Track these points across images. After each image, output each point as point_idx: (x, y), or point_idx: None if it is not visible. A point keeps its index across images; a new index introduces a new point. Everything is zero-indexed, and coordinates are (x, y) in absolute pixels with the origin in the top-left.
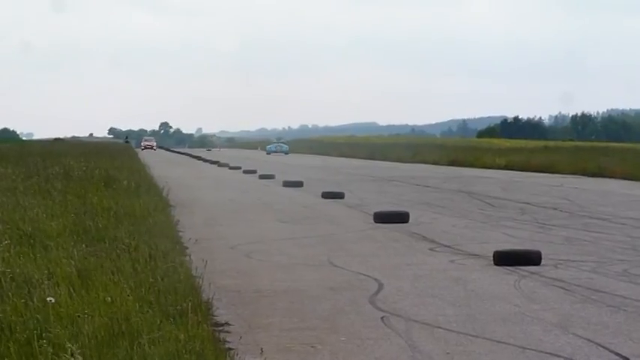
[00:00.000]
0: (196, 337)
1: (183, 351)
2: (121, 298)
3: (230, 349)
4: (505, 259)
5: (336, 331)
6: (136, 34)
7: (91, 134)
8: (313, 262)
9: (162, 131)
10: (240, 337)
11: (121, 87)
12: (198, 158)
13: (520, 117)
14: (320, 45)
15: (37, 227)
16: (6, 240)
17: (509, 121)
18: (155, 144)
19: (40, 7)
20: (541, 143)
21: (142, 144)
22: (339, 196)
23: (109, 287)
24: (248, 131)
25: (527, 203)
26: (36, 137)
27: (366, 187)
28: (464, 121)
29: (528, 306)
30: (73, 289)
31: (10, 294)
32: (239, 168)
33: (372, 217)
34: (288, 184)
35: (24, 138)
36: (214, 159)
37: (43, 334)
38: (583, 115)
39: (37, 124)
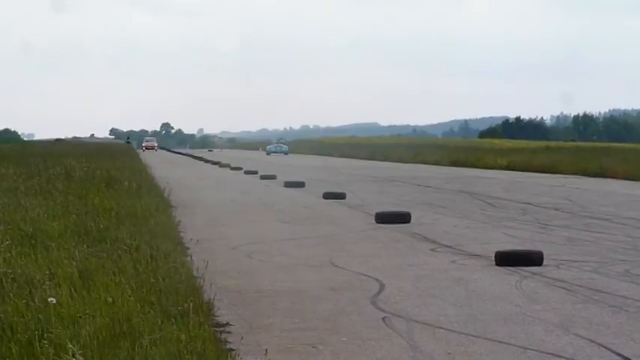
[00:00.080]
0: (197, 337)
1: (185, 351)
2: (122, 298)
3: (231, 349)
4: (506, 259)
5: (337, 332)
6: (136, 34)
7: (92, 135)
8: (314, 262)
9: (163, 132)
10: (242, 338)
11: (122, 87)
12: (200, 159)
13: (522, 117)
14: (321, 45)
15: (39, 228)
16: (7, 240)
17: (510, 121)
18: (156, 144)
19: (40, 7)
20: (543, 143)
21: (143, 144)
22: (340, 196)
23: (111, 288)
24: (249, 132)
25: (529, 203)
26: (37, 138)
27: (367, 188)
28: (465, 121)
29: (530, 306)
30: (75, 289)
31: (11, 294)
32: (240, 169)
33: (373, 218)
34: (289, 184)
35: (25, 138)
36: (215, 159)
37: (45, 335)
38: (585, 116)
39: (38, 125)
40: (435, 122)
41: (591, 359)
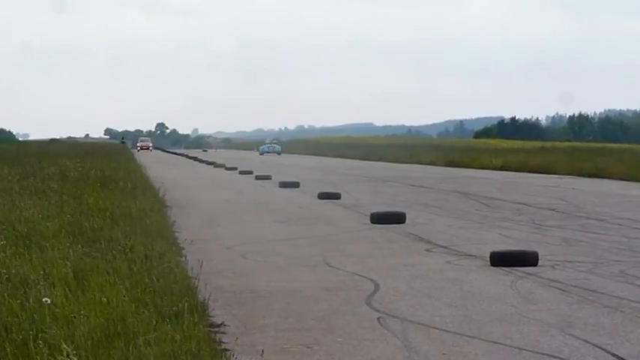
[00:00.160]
0: (192, 337)
1: (179, 352)
2: (116, 298)
3: (226, 349)
4: (501, 259)
5: (332, 332)
6: (132, 34)
7: (87, 135)
8: (309, 262)
9: (158, 132)
10: (237, 338)
11: (117, 87)
12: (195, 159)
13: (517, 117)
14: (316, 45)
15: (33, 228)
16: (2, 241)
17: (506, 121)
18: (151, 145)
19: (36, 7)
20: (538, 144)
21: (138, 145)
22: (335, 196)
23: (105, 288)
24: (244, 132)
25: (524, 204)
26: (32, 138)
27: (362, 188)
28: (461, 121)
29: (525, 307)
30: (69, 289)
31: (5, 295)
32: (235, 169)
33: (368, 218)
34: (284, 184)
35: (20, 138)
36: (210, 160)
37: (39, 335)
38: (580, 116)
39: (33, 125)
40: (431, 122)
41: None
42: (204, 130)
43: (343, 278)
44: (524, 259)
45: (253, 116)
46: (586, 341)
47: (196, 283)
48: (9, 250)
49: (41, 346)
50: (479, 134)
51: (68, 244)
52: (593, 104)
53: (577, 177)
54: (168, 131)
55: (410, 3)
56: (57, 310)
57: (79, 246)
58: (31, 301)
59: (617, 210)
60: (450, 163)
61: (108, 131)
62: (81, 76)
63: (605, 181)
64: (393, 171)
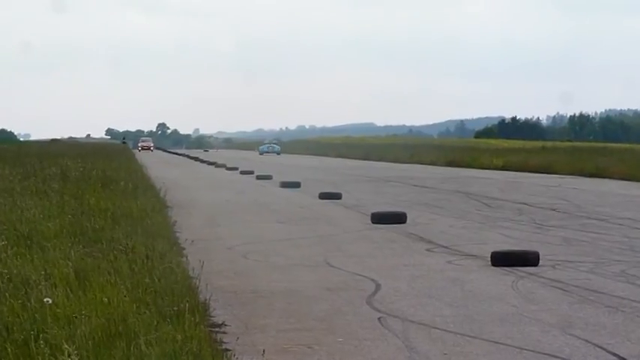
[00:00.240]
0: (193, 337)
1: (180, 352)
2: (118, 298)
3: (227, 349)
4: (502, 259)
5: (333, 332)
6: (133, 34)
7: (89, 135)
8: (310, 262)
9: (159, 132)
10: (237, 338)
11: (118, 88)
12: (196, 159)
13: (518, 117)
14: (317, 45)
15: (34, 228)
16: (3, 241)
17: (506, 121)
18: (152, 145)
19: (37, 7)
20: (539, 144)
21: (139, 145)
22: (336, 196)
23: (106, 288)
24: (245, 132)
25: (525, 204)
26: (33, 138)
27: (363, 188)
28: (461, 121)
29: (526, 307)
30: (70, 289)
31: (7, 295)
32: (236, 169)
33: (369, 218)
34: (285, 184)
35: (21, 139)
36: (211, 160)
37: (40, 335)
38: (581, 116)
39: (35, 125)
40: (431, 122)
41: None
42: (206, 130)
43: (344, 278)
44: (525, 259)
45: (254, 116)
46: (587, 341)
47: (197, 283)
48: (10, 250)
49: (42, 346)
50: (480, 134)
51: (69, 245)
52: (594, 104)
53: (578, 177)
54: (169, 131)
55: (410, 3)
56: (58, 310)
57: (81, 246)
58: (32, 301)
59: (618, 210)
60: (450, 163)
61: (109, 131)
62: (82, 77)
63: (606, 180)
64: (394, 171)
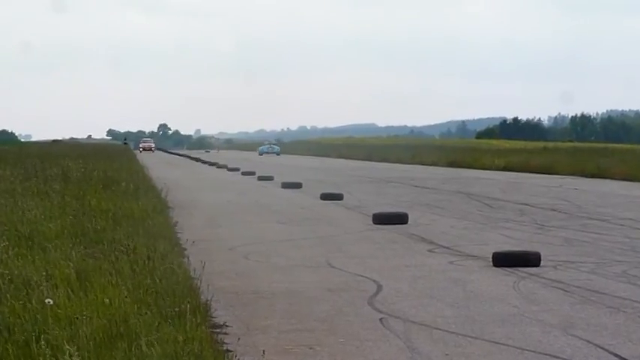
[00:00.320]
0: (195, 338)
1: (182, 352)
2: (119, 299)
3: (228, 350)
4: (504, 260)
5: (334, 333)
6: (134, 35)
7: (90, 136)
8: (312, 263)
9: (160, 133)
10: (239, 339)
11: (119, 88)
12: (197, 160)
13: (519, 118)
14: (318, 46)
15: (36, 229)
16: (4, 242)
17: (508, 122)
18: (154, 145)
19: (37, 7)
20: (540, 144)
21: (140, 145)
22: (337, 197)
23: (108, 289)
24: (247, 132)
25: (526, 204)
26: (34, 139)
27: (364, 189)
28: (463, 122)
29: (527, 307)
30: (72, 290)
31: (8, 295)
32: (238, 169)
33: (370, 219)
34: (286, 185)
35: (22, 140)
36: (213, 160)
37: (42, 336)
38: (582, 116)
39: (36, 126)
40: (433, 123)
41: None
42: (207, 130)
43: (346, 279)
44: (526, 260)
45: (255, 117)
46: (588, 342)
47: (199, 284)
48: (11, 251)
49: (44, 346)
50: (481, 135)
51: (71, 245)
52: (596, 105)
53: (579, 177)
54: (170, 132)
55: (412, 2)
56: (59, 311)
57: (82, 247)
58: (33, 302)
59: (619, 210)
60: (452, 164)
61: (110, 132)
62: (83, 77)
63: (608, 181)
64: (396, 172)
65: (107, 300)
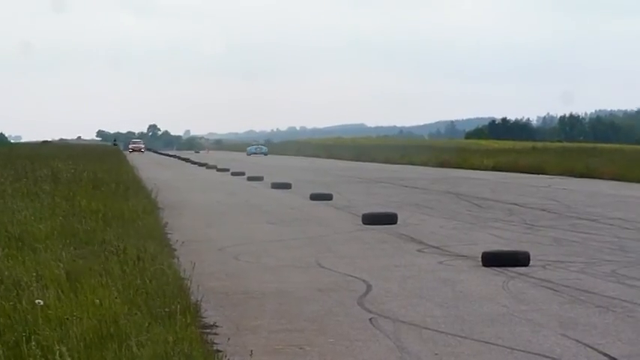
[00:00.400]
0: (185, 338)
1: (172, 353)
2: (109, 300)
3: (218, 350)
4: (493, 260)
5: (324, 333)
6: (124, 36)
7: (79, 137)
8: (301, 263)
9: (150, 133)
10: (229, 339)
11: (109, 90)
12: (187, 160)
13: (508, 118)
14: (308, 47)
15: (26, 230)
16: None
17: (497, 122)
18: (143, 146)
19: (27, 10)
20: (529, 144)
21: (130, 146)
22: (327, 197)
23: (98, 290)
24: (236, 133)
25: (516, 204)
26: (24, 140)
27: (354, 189)
28: (452, 122)
29: (517, 307)
30: (62, 291)
31: None
32: (227, 170)
33: (360, 219)
34: (276, 185)
35: (12, 141)
36: (202, 161)
37: (32, 337)
38: (571, 116)
39: (25, 127)
40: (422, 123)
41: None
42: (196, 131)
43: (335, 279)
44: (515, 260)
45: (245, 118)
46: (578, 341)
47: (189, 284)
48: (1, 251)
49: (34, 347)
50: (470, 135)
51: (61, 246)
52: (584, 105)
53: (568, 177)
54: (160, 133)
55: (402, 5)
56: (50, 312)
57: (72, 248)
58: (23, 302)
59: (608, 210)
60: (441, 164)
61: (100, 133)
62: (73, 79)
63: (596, 181)
64: (385, 172)
65: (97, 301)
